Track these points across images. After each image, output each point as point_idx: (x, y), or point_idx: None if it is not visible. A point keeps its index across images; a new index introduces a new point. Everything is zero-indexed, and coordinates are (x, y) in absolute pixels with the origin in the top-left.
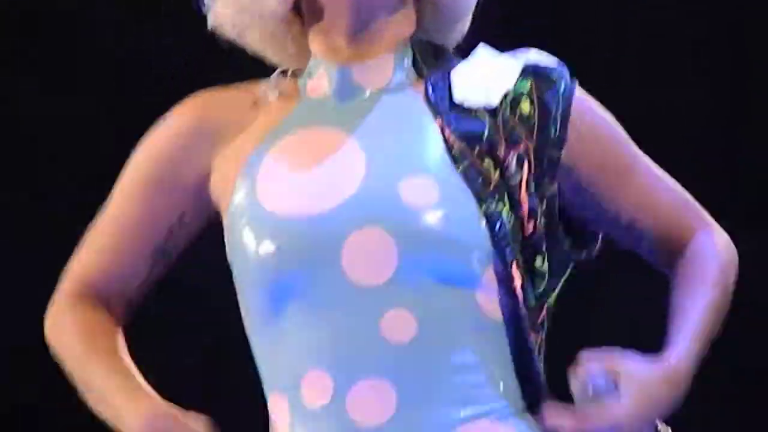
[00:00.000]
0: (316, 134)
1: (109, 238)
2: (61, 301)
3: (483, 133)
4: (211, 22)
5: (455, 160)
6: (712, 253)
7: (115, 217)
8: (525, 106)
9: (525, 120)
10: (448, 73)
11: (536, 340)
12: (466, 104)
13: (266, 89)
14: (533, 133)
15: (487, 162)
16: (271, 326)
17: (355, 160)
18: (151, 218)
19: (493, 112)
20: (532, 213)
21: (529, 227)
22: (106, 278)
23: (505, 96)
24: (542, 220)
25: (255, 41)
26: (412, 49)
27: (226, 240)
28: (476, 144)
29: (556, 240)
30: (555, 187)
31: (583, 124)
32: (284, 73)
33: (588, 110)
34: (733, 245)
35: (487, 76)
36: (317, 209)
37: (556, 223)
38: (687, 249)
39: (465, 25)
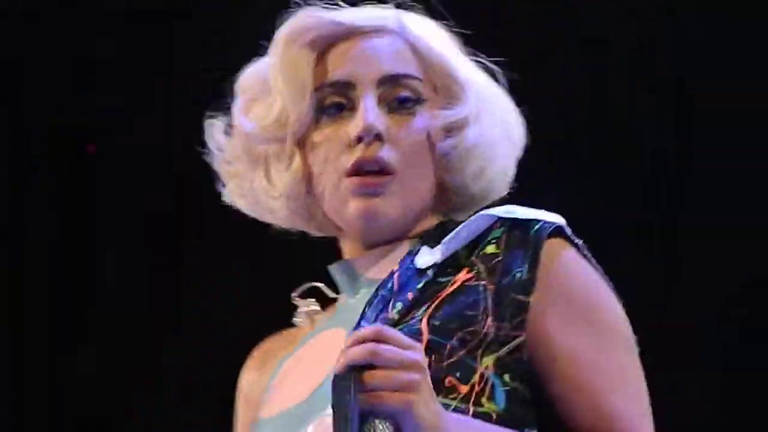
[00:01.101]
0: (320, 339)
1: None
2: None
3: (427, 284)
4: (227, 198)
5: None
6: None
7: None
8: (490, 248)
9: (487, 258)
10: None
11: None
12: (421, 265)
13: (302, 318)
14: (495, 272)
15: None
16: None
17: (335, 355)
18: None
19: (445, 265)
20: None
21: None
22: None
23: (470, 244)
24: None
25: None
26: (442, 229)
27: None
28: (422, 298)
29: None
30: (522, 338)
31: (551, 273)
32: (308, 296)
33: (563, 264)
34: None
35: (449, 237)
36: (289, 404)
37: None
38: None
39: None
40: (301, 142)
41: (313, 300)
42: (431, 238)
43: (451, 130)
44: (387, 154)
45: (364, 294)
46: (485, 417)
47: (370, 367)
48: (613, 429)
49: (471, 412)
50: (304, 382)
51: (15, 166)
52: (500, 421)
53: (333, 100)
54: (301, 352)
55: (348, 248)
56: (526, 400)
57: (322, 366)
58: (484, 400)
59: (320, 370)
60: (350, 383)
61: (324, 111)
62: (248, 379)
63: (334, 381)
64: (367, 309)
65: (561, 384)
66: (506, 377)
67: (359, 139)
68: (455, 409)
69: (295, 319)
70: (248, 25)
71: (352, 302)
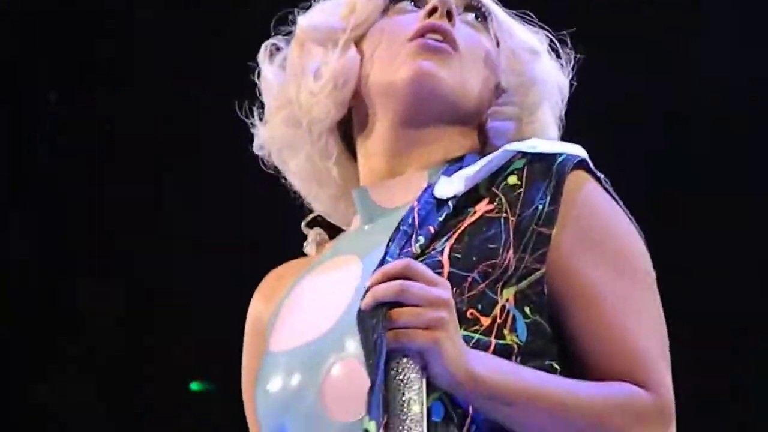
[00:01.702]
0: (333, 262)
1: None
2: None
3: (448, 216)
4: (257, 143)
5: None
6: (638, 406)
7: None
8: (512, 179)
9: (509, 190)
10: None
11: None
12: (442, 196)
13: (310, 245)
14: (517, 203)
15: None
16: None
17: (351, 283)
18: None
19: (467, 196)
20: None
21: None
22: None
23: (490, 177)
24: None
25: (298, 171)
26: (461, 161)
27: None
28: (443, 230)
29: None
30: (543, 271)
31: (574, 206)
32: (314, 224)
33: (586, 197)
34: (660, 422)
35: (470, 169)
36: (302, 341)
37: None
38: (620, 385)
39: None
40: (359, 41)
41: (320, 229)
42: (450, 170)
43: (518, 59)
44: (456, 32)
45: (381, 224)
46: (507, 349)
47: (397, 303)
48: (634, 363)
49: (493, 345)
50: (320, 314)
51: None
52: (521, 353)
53: None
54: (311, 278)
55: (368, 169)
56: (547, 334)
57: (338, 296)
58: (506, 332)
59: (336, 301)
60: (378, 320)
61: (393, 2)
62: (256, 307)
63: (359, 317)
64: (391, 244)
65: (581, 319)
66: (527, 310)
67: (431, 12)
68: (478, 341)
69: (305, 248)
70: (248, 25)
71: (366, 229)
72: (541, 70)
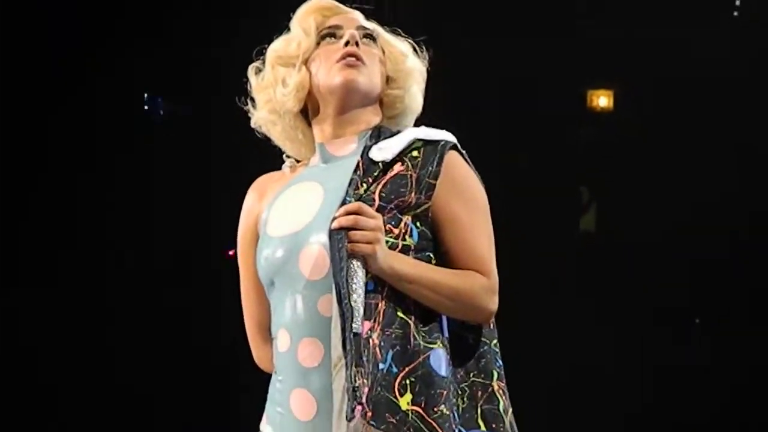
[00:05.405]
0: (304, 185)
1: (253, 293)
2: (255, 344)
3: (379, 172)
4: (253, 123)
5: (364, 192)
6: (479, 285)
7: (246, 280)
8: (414, 153)
9: (413, 159)
10: (375, 144)
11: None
12: (375, 159)
13: (287, 168)
14: (417, 167)
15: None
16: (269, 297)
17: (317, 200)
18: (254, 272)
19: (390, 162)
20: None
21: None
22: (266, 316)
23: (402, 151)
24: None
25: (278, 135)
26: (378, 131)
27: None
28: (375, 180)
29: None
30: (429, 204)
31: (448, 169)
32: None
33: (455, 165)
34: (491, 293)
35: (391, 143)
36: (289, 231)
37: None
38: (470, 272)
39: (412, 118)
40: (306, 62)
41: (293, 160)
42: (373, 136)
43: (397, 60)
44: (361, 53)
45: (333, 165)
46: (407, 247)
47: (352, 228)
48: (477, 262)
49: (400, 245)
50: (296, 217)
51: None
52: (414, 249)
53: (329, 32)
54: (291, 191)
55: (320, 133)
56: (428, 238)
57: (309, 207)
58: (407, 237)
59: (307, 210)
60: (342, 237)
61: (323, 39)
62: (251, 198)
63: (330, 234)
64: (348, 188)
65: (448, 233)
66: (418, 224)
67: (347, 43)
68: (393, 245)
69: (283, 167)
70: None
71: (322, 166)
72: (410, 64)
